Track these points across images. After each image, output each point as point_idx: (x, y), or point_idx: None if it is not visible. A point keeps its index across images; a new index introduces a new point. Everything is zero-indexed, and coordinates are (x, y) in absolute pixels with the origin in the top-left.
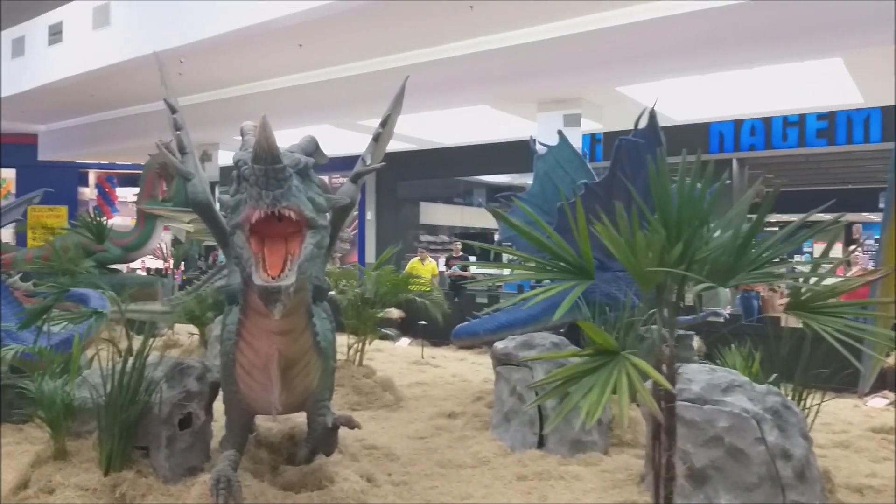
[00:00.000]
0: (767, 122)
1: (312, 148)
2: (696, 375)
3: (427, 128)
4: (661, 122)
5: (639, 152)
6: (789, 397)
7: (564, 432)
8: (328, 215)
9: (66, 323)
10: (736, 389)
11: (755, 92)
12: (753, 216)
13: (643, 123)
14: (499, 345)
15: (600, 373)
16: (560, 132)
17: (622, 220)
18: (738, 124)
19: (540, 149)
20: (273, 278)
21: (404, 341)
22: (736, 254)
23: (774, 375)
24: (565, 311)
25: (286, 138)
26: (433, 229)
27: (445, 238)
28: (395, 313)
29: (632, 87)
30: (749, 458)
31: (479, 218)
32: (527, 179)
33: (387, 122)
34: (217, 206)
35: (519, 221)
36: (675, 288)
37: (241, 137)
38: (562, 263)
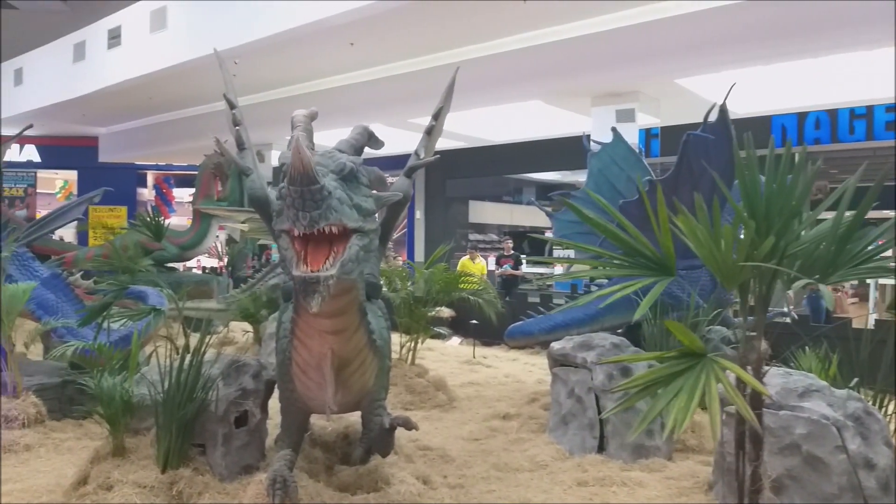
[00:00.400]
0: (833, 114)
1: (364, 139)
2: (771, 379)
3: (477, 125)
4: None
5: (707, 148)
6: (869, 402)
7: (625, 436)
8: (378, 216)
9: (125, 320)
10: (814, 394)
11: (820, 83)
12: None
13: (713, 118)
14: (555, 345)
15: (687, 376)
16: (614, 129)
17: (701, 213)
18: (801, 117)
19: (593, 146)
20: (313, 271)
21: (455, 340)
22: (837, 246)
23: (856, 380)
24: (624, 312)
25: (337, 138)
26: (482, 228)
27: (494, 237)
28: (445, 312)
29: (691, 80)
30: (829, 468)
31: (528, 216)
32: (578, 177)
33: (439, 115)
34: None
35: (593, 214)
36: (759, 286)
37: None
38: (641, 259)
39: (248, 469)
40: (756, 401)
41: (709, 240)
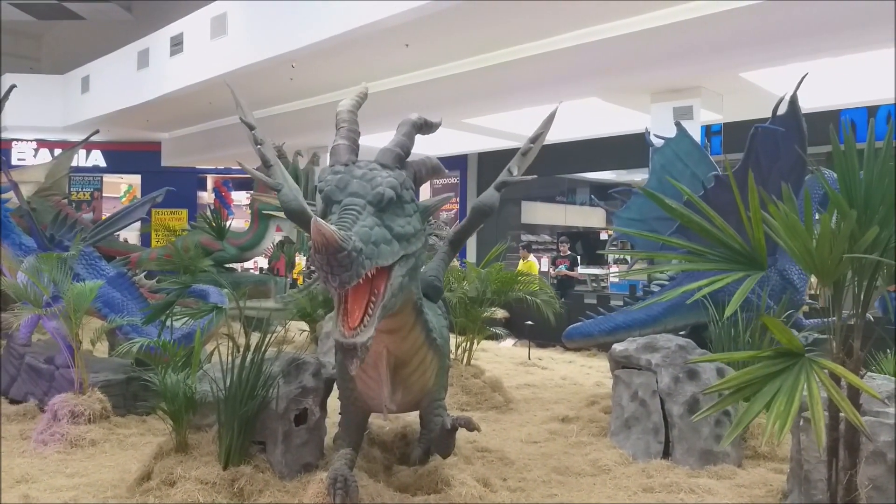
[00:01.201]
0: None
1: (412, 139)
2: None
3: (529, 124)
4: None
5: (776, 141)
6: None
7: (693, 442)
8: (423, 237)
9: (186, 318)
10: None
11: (892, 75)
12: None
13: (783, 110)
14: (618, 347)
15: (784, 377)
16: (678, 123)
17: (791, 203)
18: (871, 111)
19: (656, 142)
20: (351, 329)
21: (509, 342)
22: None
23: None
24: (687, 313)
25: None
26: (534, 229)
27: (547, 237)
28: (499, 313)
29: (756, 73)
30: None
31: (582, 217)
32: (634, 175)
33: (536, 140)
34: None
35: (676, 204)
36: (857, 281)
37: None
38: (730, 252)
39: (308, 467)
40: (853, 405)
41: (804, 232)
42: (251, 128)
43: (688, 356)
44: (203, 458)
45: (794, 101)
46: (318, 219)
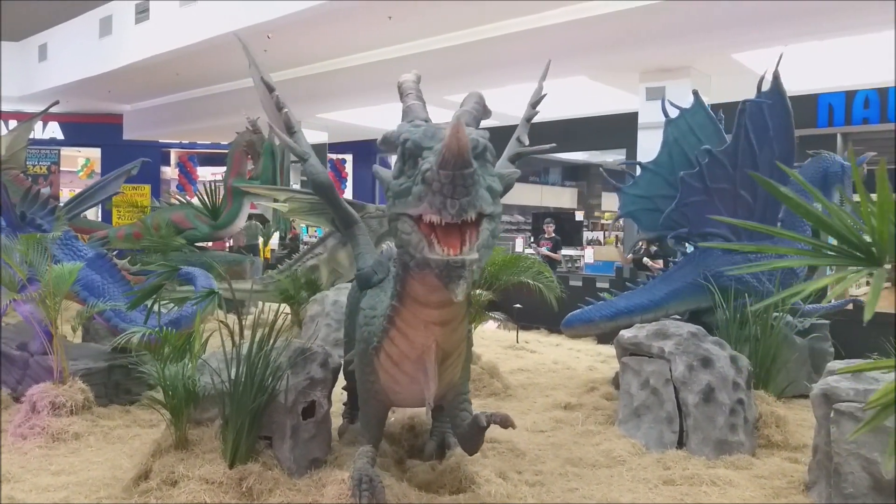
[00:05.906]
0: (883, 93)
1: (482, 107)
2: None
3: (516, 102)
4: None
5: (764, 116)
6: None
7: (708, 431)
8: (500, 205)
9: (174, 304)
10: None
11: (872, 59)
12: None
13: (766, 88)
14: (626, 333)
15: None
16: (696, 92)
17: (882, 183)
18: (849, 95)
19: (671, 111)
20: (454, 254)
21: (492, 324)
22: None
23: None
24: (690, 297)
25: (378, 114)
26: (508, 209)
27: (520, 217)
28: (484, 296)
29: (746, 55)
30: None
31: (556, 198)
32: (606, 157)
33: (538, 102)
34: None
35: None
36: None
37: (399, 97)
38: (847, 247)
39: (316, 462)
40: None
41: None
42: (271, 90)
43: (700, 343)
44: (206, 456)
45: (776, 78)
46: (461, 120)
